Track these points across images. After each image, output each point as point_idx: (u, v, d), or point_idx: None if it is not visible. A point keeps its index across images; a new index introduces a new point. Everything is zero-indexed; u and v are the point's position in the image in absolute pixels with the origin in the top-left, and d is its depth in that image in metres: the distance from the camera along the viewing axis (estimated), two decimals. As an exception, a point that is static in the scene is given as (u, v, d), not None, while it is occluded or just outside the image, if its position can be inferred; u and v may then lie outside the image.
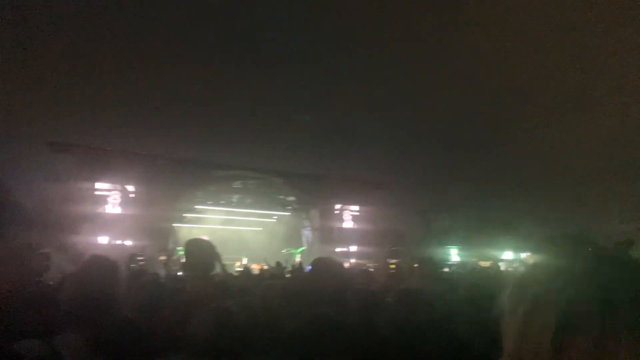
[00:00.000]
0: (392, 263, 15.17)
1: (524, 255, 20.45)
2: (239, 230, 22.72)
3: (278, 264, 16.69)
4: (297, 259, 20.07)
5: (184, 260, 2.93)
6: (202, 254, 2.85)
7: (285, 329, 1.88)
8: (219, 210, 21.46)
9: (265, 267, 16.37)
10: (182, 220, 20.61)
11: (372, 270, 10.85)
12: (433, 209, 22.25)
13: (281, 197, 22.01)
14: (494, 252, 20.05)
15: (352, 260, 19.37)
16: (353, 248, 21.47)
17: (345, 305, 2.63)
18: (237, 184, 20.98)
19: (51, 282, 4.30)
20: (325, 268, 2.56)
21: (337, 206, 21.96)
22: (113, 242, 17.25)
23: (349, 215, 22.21)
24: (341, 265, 2.79)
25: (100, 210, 17.39)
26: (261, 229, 23.46)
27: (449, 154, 17.58)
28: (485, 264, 12.27)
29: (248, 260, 19.49)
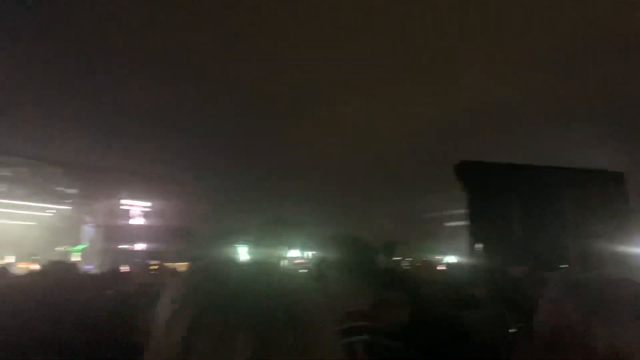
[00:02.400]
0: (154, 264, 15.10)
1: (311, 253, 21.93)
2: (6, 224, 20.90)
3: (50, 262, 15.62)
4: (76, 257, 19.08)
5: None
6: None
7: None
8: (-19, 201, 19.54)
9: (37, 266, 15.27)
10: None
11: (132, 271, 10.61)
12: (225, 207, 22.73)
13: (60, 189, 20.71)
14: (283, 251, 21.10)
15: (137, 260, 18.95)
16: (140, 246, 21.03)
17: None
18: (6, 172, 19.36)
19: None
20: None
21: (125, 202, 21.31)
22: None
23: (137, 212, 21.69)
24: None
25: None
26: (35, 223, 21.83)
27: (239, 150, 18.07)
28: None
29: (16, 259, 18.16)
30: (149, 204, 21.95)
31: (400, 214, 19.66)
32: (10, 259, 18.02)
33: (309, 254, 20.75)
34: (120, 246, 20.27)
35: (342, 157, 17.08)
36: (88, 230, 21.23)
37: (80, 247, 20.53)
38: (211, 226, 22.03)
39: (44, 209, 21.47)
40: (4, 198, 20.03)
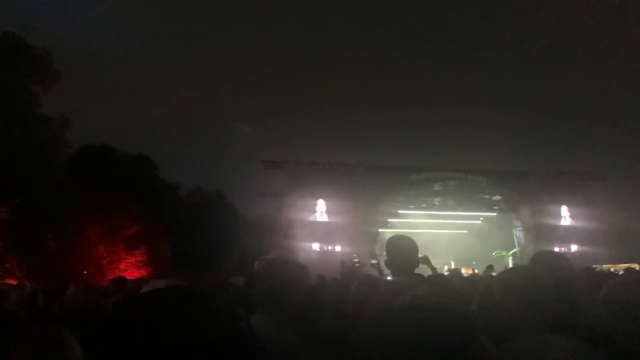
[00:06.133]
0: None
1: None
2: (444, 233, 23.40)
3: (489, 267, 17.03)
4: (510, 261, 19.68)
5: (386, 257, 2.99)
6: (403, 249, 2.92)
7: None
8: (421, 213, 22.53)
9: (475, 270, 16.78)
10: (386, 225, 22.24)
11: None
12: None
13: (486, 197, 21.99)
14: None
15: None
16: (574, 248, 20.19)
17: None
18: (437, 186, 21.74)
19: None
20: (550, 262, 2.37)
21: (550, 203, 20.88)
22: (324, 248, 19.84)
23: (565, 212, 20.90)
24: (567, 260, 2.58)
25: (310, 219, 20.12)
26: (467, 231, 23.72)
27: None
28: None
29: (455, 263, 20.04)
30: (575, 202, 20.95)
31: None
32: (452, 264, 19.96)
33: None
34: (553, 248, 19.93)
35: None
36: (517, 234, 21.75)
37: (513, 250, 21.20)
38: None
39: (473, 217, 23.25)
40: (437, 210, 22.59)
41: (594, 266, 16.44)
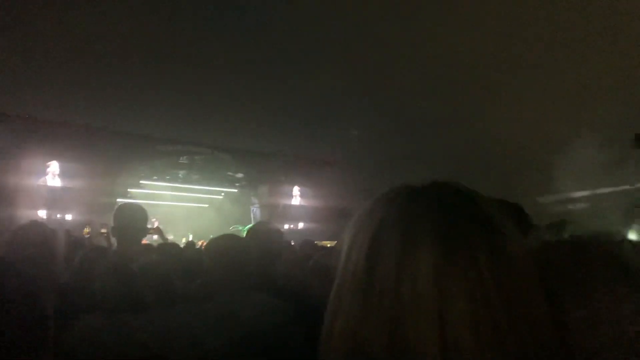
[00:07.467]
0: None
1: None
2: (185, 207, 23.56)
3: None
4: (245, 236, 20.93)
5: (112, 224, 2.90)
6: (132, 218, 2.88)
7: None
8: (165, 185, 22.22)
9: None
10: (126, 195, 21.29)
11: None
12: (378, 188, 23.32)
13: (229, 173, 22.86)
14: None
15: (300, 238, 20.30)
16: (301, 225, 22.61)
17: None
18: (183, 159, 21.70)
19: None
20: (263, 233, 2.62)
21: (286, 184, 22.96)
22: (52, 216, 17.90)
23: (297, 193, 23.25)
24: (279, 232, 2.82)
25: (37, 183, 17.90)
26: (207, 205, 24.33)
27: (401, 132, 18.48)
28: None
29: (193, 237, 20.38)
30: (307, 185, 23.41)
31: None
32: (190, 237, 20.30)
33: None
34: (284, 225, 21.96)
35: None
36: (255, 211, 23.28)
37: (248, 226, 22.54)
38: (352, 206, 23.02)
39: (215, 192, 23.95)
40: (181, 183, 22.59)
41: (315, 241, 18.84)
